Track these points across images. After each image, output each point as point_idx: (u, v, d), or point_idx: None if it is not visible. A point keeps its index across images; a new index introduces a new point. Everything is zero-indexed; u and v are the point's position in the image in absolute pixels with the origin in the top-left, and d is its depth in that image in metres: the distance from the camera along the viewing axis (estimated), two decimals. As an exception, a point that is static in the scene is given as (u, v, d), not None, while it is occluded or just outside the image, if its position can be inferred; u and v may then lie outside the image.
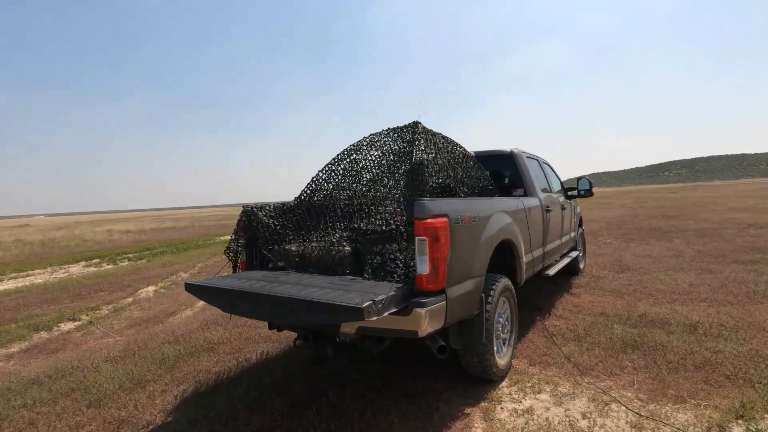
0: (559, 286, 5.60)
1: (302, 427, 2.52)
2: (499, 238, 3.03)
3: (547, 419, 2.53)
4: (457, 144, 3.76)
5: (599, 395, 2.76)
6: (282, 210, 3.31)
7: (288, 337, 3.99)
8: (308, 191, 3.47)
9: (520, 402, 2.75)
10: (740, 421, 2.40)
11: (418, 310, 2.19)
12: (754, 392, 2.67)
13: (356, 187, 3.34)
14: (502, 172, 4.56)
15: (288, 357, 3.63)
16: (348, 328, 2.40)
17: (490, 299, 2.83)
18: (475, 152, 4.25)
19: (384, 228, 2.69)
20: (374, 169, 3.39)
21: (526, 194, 4.25)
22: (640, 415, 2.51)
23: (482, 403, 2.75)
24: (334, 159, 3.56)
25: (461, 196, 3.41)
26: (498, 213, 3.10)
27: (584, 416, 2.55)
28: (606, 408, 2.62)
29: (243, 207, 3.25)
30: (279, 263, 3.14)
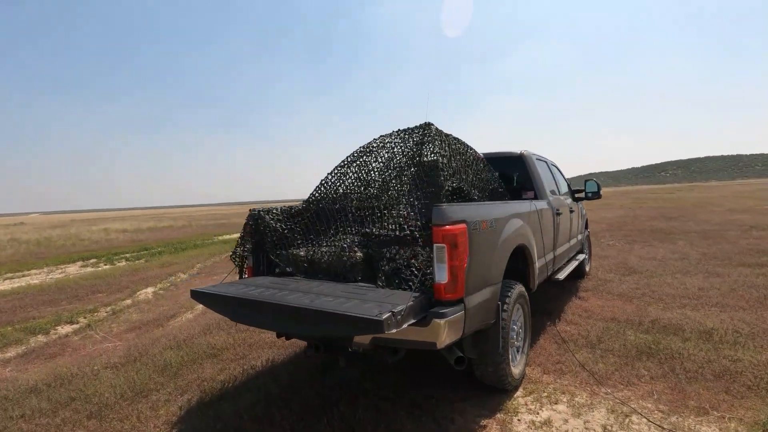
0: (566, 289, 5.53)
1: (314, 440, 2.43)
2: (515, 244, 2.94)
3: (566, 432, 2.45)
4: (468, 146, 3.68)
5: (618, 406, 2.68)
6: (290, 213, 3.21)
7: (294, 343, 3.88)
8: (317, 194, 3.38)
9: (538, 413, 2.67)
10: (767, 435, 2.32)
11: (437, 320, 2.10)
12: (779, 404, 2.60)
13: (367, 190, 3.24)
14: (511, 174, 4.47)
15: (294, 364, 3.54)
16: (362, 338, 2.31)
17: (506, 307, 2.74)
18: (483, 154, 4.16)
19: (398, 234, 2.60)
20: (385, 171, 3.30)
21: (536, 197, 4.17)
22: (663, 428, 2.43)
23: (498, 415, 2.66)
24: (343, 161, 3.47)
25: (474, 200, 3.32)
26: (513, 217, 3.01)
27: (605, 429, 2.46)
28: (627, 420, 2.54)
29: (250, 210, 3.15)
30: (287, 269, 3.04)
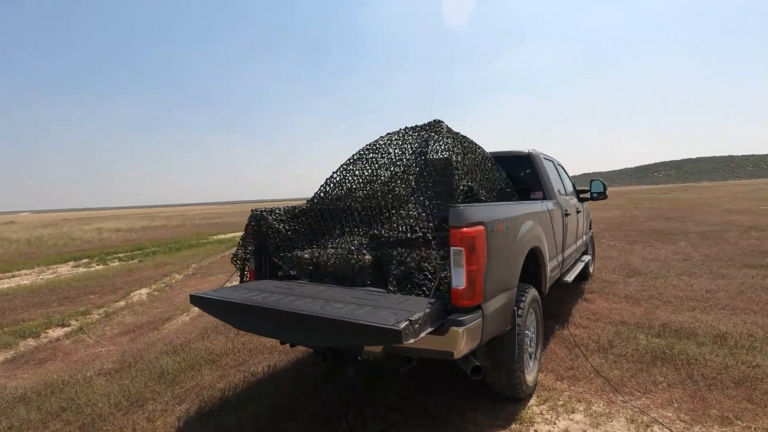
0: (571, 291, 5.43)
1: (321, 454, 2.30)
2: (529, 246, 2.83)
3: (587, 444, 2.34)
4: (477, 144, 3.56)
5: (638, 416, 2.57)
6: (293, 213, 3.07)
7: (296, 348, 3.74)
8: (322, 193, 3.24)
9: (554, 423, 2.55)
10: (797, 447, 2.22)
11: (455, 329, 1.98)
12: (804, 413, 2.50)
13: (374, 189, 3.11)
14: (518, 174, 4.36)
15: (297, 370, 3.40)
16: (373, 346, 2.18)
17: (520, 312, 2.62)
18: (491, 153, 4.05)
19: (409, 235, 2.47)
20: (394, 169, 3.16)
21: (545, 197, 4.06)
22: (687, 440, 2.33)
23: (513, 425, 2.54)
24: (350, 159, 3.33)
25: (482, 201, 3.20)
26: (527, 218, 2.90)
27: (627, 441, 2.35)
28: (648, 431, 2.43)
29: (252, 210, 3.01)
30: (290, 272, 2.90)
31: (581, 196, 5.70)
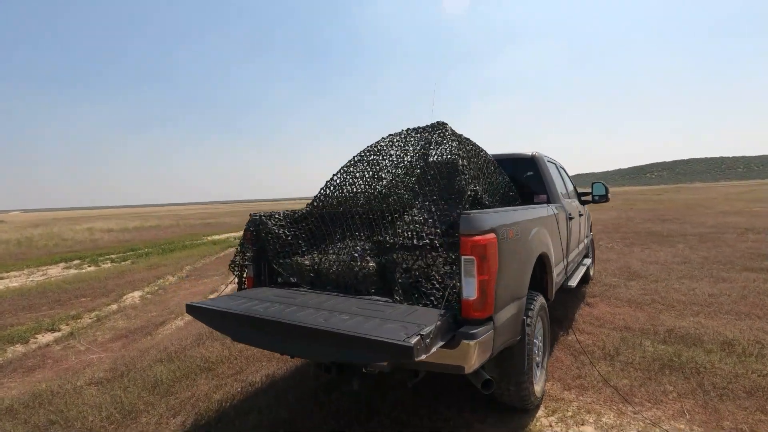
0: (572, 295, 5.36)
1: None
2: (538, 252, 2.74)
3: (600, 459, 2.25)
4: (480, 147, 3.47)
5: (650, 428, 2.49)
6: (293, 218, 2.97)
7: (296, 358, 3.63)
8: (322, 197, 3.13)
9: (565, 436, 2.47)
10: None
11: (467, 342, 1.88)
12: (820, 425, 2.44)
13: (377, 192, 3.00)
14: (521, 176, 4.28)
15: (296, 380, 3.29)
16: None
17: (529, 321, 2.53)
18: (492, 155, 3.96)
19: (416, 242, 2.37)
20: (396, 172, 3.07)
21: (549, 201, 3.98)
22: (702, 454, 2.25)
23: (522, 438, 2.46)
24: (350, 161, 3.23)
25: (485, 206, 3.12)
26: (536, 224, 2.81)
27: (640, 455, 2.27)
28: (661, 444, 2.35)
29: (250, 215, 2.90)
30: (290, 279, 2.80)
31: (582, 198, 5.64)
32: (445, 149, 3.00)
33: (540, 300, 2.80)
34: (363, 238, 2.81)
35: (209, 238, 17.07)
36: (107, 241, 17.55)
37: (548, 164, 4.30)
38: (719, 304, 4.69)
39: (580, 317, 4.53)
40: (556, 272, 3.38)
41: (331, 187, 3.16)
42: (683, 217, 15.30)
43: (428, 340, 1.70)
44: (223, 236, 17.49)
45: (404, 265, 2.34)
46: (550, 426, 2.58)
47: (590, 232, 6.55)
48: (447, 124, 3.20)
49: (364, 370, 2.28)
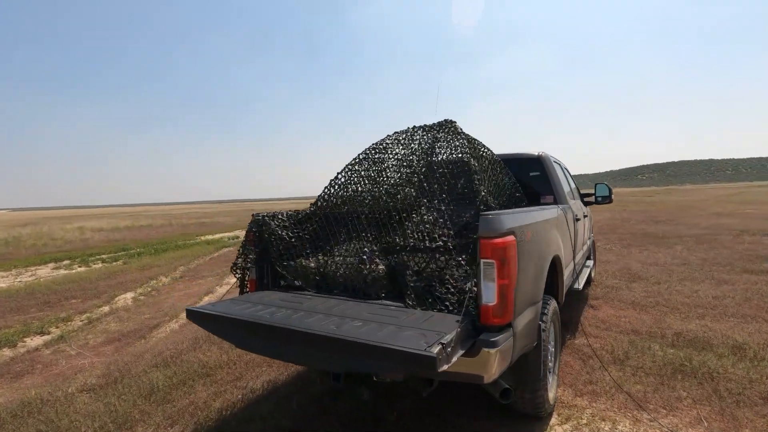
0: (575, 297, 5.29)
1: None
2: (552, 254, 2.66)
3: (620, 471, 2.17)
4: (486, 147, 3.38)
5: (668, 436, 2.42)
6: (297, 219, 2.85)
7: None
8: (325, 196, 3.02)
9: (581, 446, 2.38)
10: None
11: (488, 350, 1.79)
12: (841, 432, 2.37)
13: (384, 191, 2.90)
14: (527, 177, 4.19)
15: (298, 385, 3.16)
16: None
17: (544, 326, 2.44)
18: (498, 155, 3.87)
19: (428, 244, 2.27)
20: (404, 171, 2.96)
21: (555, 202, 3.90)
22: (724, 464, 2.18)
23: (538, 448, 2.36)
24: (355, 159, 3.12)
25: (492, 208, 3.03)
26: (550, 225, 2.73)
27: (661, 466, 2.19)
28: (681, 454, 2.27)
29: (252, 216, 2.78)
30: (294, 282, 2.68)
31: (585, 199, 5.58)
32: (455, 148, 2.90)
33: (553, 304, 2.71)
34: (370, 239, 2.70)
35: (203, 237, 16.84)
36: (98, 240, 17.24)
37: (554, 164, 4.23)
38: (724, 307, 4.65)
39: (585, 320, 4.46)
40: (566, 274, 3.30)
41: (336, 186, 3.05)
42: (677, 218, 15.38)
43: (449, 349, 1.60)
44: (217, 236, 17.27)
45: (416, 268, 2.24)
46: (565, 435, 2.49)
47: (591, 233, 6.50)
48: (455, 122, 3.10)
49: (374, 379, 2.17)
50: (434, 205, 2.64)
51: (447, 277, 2.13)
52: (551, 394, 2.68)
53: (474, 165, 2.69)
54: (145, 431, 2.65)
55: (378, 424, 2.59)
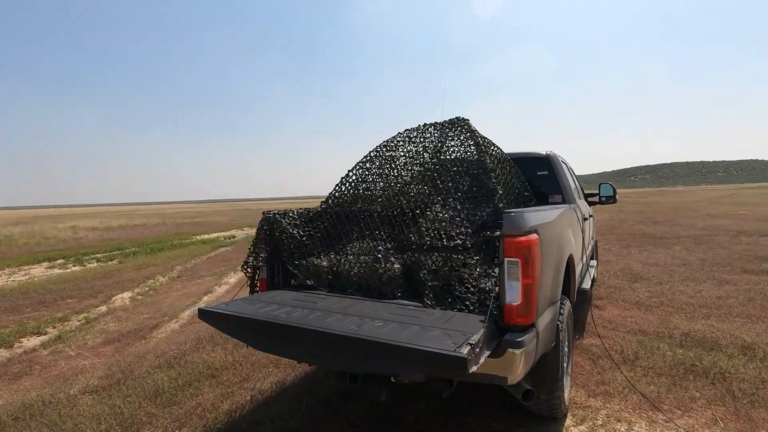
0: (578, 297, 5.27)
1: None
2: (569, 253, 2.63)
3: (640, 473, 2.14)
4: (497, 146, 3.35)
5: (686, 437, 2.40)
6: (308, 217, 2.80)
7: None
8: (337, 194, 2.97)
9: (599, 447, 2.35)
10: None
11: (513, 350, 1.75)
12: None
13: (398, 189, 2.85)
14: (535, 176, 4.17)
15: (306, 386, 3.11)
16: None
17: (561, 327, 2.41)
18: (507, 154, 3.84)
19: (446, 242, 2.23)
20: (417, 169, 2.92)
21: (564, 201, 3.88)
22: (745, 466, 2.15)
23: (556, 450, 2.33)
24: (366, 157, 3.07)
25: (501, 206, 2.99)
26: (566, 224, 2.70)
27: (681, 468, 2.17)
28: (701, 455, 2.25)
29: (264, 213, 2.72)
30: (306, 281, 2.63)
31: (588, 200, 5.57)
32: (468, 146, 2.86)
33: (568, 304, 2.68)
34: (383, 237, 2.66)
35: (198, 237, 16.68)
36: (92, 239, 17.02)
37: (562, 164, 4.21)
38: (728, 307, 4.66)
39: (591, 320, 4.44)
40: (578, 274, 3.27)
41: (347, 184, 3.00)
42: (672, 219, 15.48)
43: (477, 350, 1.56)
44: (213, 235, 17.12)
45: (433, 267, 2.20)
46: (582, 436, 2.46)
47: (594, 233, 6.50)
48: (468, 120, 3.07)
49: (393, 380, 2.13)
50: (449, 203, 2.60)
51: (466, 276, 2.09)
52: (566, 395, 2.65)
53: (489, 164, 2.65)
54: (153, 434, 2.58)
55: (396, 425, 2.54)
